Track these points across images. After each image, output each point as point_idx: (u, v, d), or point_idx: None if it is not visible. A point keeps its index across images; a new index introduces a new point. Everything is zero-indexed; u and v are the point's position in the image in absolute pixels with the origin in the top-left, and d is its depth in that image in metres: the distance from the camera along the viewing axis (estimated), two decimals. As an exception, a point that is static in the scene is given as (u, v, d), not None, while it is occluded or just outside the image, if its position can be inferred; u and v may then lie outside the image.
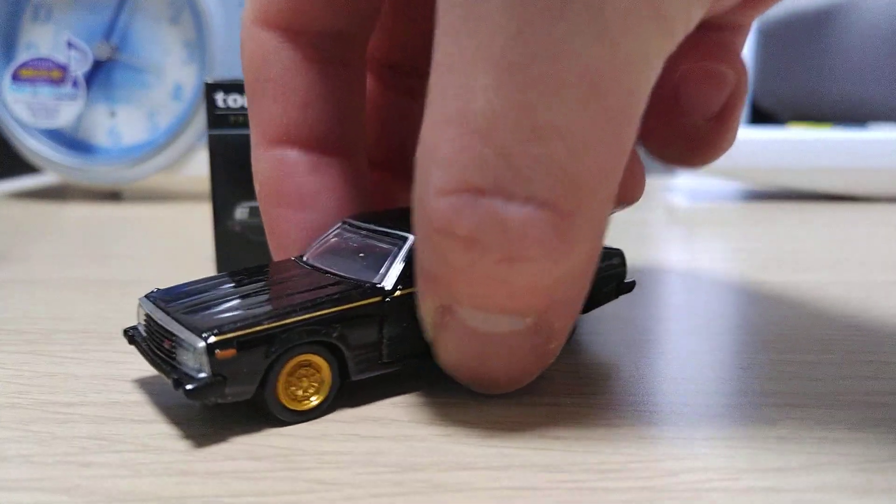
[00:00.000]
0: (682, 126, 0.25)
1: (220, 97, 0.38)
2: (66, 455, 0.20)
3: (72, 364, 0.27)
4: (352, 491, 0.18)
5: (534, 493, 0.18)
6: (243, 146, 0.37)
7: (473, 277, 0.18)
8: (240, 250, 0.39)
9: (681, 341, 0.30)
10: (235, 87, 0.38)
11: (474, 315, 0.19)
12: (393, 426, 0.22)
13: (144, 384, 0.25)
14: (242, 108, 0.38)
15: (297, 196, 0.27)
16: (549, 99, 0.16)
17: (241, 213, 0.38)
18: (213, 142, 0.38)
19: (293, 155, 0.27)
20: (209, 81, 0.38)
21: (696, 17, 0.18)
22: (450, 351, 0.21)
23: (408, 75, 0.31)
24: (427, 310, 0.21)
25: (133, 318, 0.33)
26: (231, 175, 0.38)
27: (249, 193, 0.37)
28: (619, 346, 0.29)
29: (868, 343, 0.29)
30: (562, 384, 0.25)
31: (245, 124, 0.38)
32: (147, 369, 0.27)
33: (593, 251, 0.19)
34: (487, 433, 0.21)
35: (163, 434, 0.22)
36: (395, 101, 0.32)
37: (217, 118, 0.38)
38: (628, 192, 0.23)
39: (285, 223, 0.28)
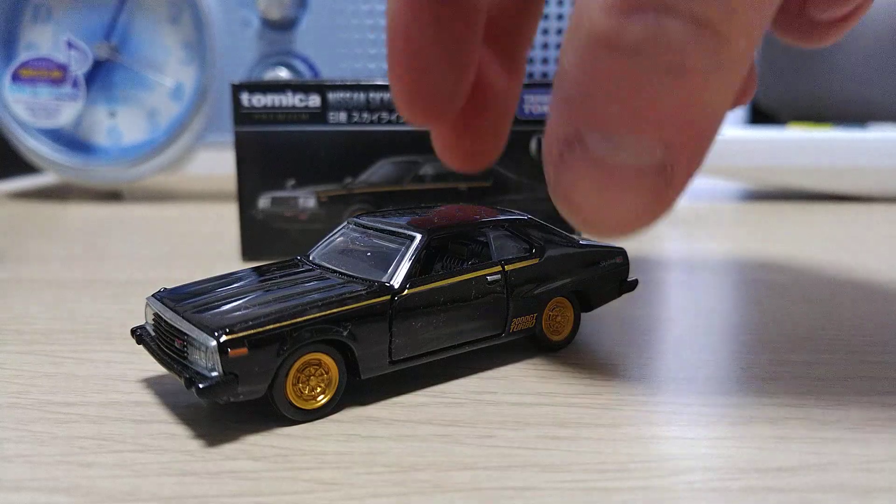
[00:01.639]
0: (804, 20, 0.29)
1: (245, 97, 0.41)
2: (66, 455, 0.20)
3: (72, 364, 0.27)
4: (352, 491, 0.18)
5: (534, 493, 0.18)
6: (267, 142, 0.42)
7: (624, 91, 0.19)
8: (262, 236, 0.42)
9: (681, 341, 0.30)
10: (259, 87, 0.41)
11: (606, 142, 0.20)
12: (393, 426, 0.22)
13: (144, 384, 0.25)
14: (265, 106, 0.41)
15: (418, 41, 0.28)
16: None
17: (263, 202, 0.42)
18: (239, 138, 0.42)
19: (422, 4, 0.28)
20: (236, 83, 0.42)
21: None
22: (570, 186, 0.21)
23: None
24: (553, 142, 0.21)
25: (134, 318, 0.33)
26: (255, 168, 0.42)
27: (271, 185, 0.42)
28: (619, 346, 0.29)
29: (868, 343, 0.29)
30: (562, 384, 0.25)
31: (267, 121, 0.41)
32: (147, 369, 0.27)
33: (734, 85, 0.20)
34: (487, 433, 0.21)
35: (163, 434, 0.22)
36: None
37: (242, 116, 0.41)
38: (742, 95, 0.27)
39: (403, 62, 0.29)
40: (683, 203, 0.70)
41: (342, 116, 0.41)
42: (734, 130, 0.70)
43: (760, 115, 1.36)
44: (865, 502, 0.18)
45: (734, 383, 0.25)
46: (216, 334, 0.21)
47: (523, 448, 0.21)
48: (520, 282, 0.26)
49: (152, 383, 0.25)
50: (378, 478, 0.19)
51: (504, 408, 0.23)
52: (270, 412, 0.23)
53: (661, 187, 0.20)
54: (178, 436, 0.21)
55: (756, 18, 0.19)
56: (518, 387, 0.25)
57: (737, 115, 1.38)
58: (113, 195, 0.72)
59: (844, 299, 0.35)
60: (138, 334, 0.25)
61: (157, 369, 0.27)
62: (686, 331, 0.31)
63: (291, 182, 0.42)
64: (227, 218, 0.59)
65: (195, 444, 0.21)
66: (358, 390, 0.24)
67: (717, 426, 0.22)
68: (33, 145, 0.67)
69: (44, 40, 0.67)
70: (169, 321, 0.23)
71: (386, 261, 0.25)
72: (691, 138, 0.20)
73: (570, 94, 0.20)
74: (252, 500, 0.18)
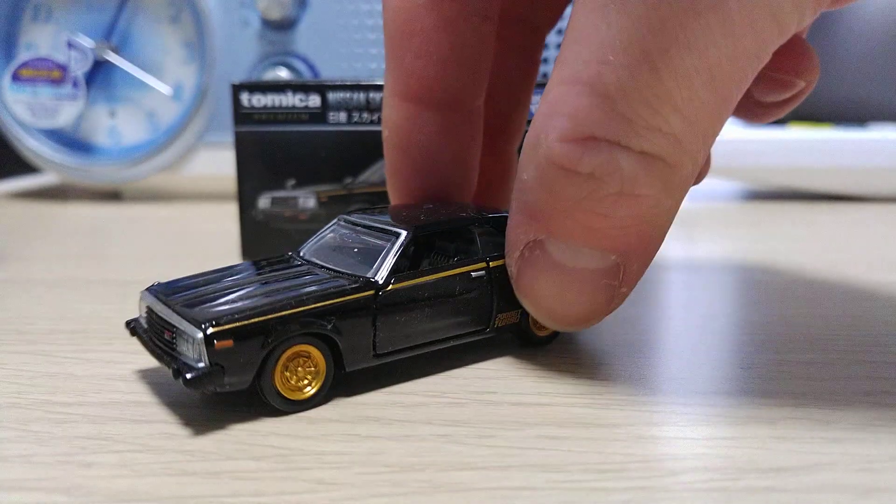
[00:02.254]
0: (748, 101, 0.30)
1: (245, 97, 0.41)
2: (66, 455, 0.20)
3: (72, 364, 0.27)
4: (352, 491, 0.18)
5: (534, 493, 0.18)
6: (267, 142, 0.42)
7: (582, 210, 0.21)
8: (262, 236, 0.42)
9: (681, 341, 0.30)
10: (259, 87, 0.41)
11: (564, 249, 0.22)
12: (393, 426, 0.22)
13: (144, 384, 0.25)
14: (265, 106, 0.41)
15: (422, 150, 0.30)
16: (674, 84, 0.20)
17: (263, 203, 0.42)
18: (239, 138, 0.41)
19: (426, 114, 0.29)
20: (236, 83, 0.41)
21: (807, 20, 0.21)
22: (532, 284, 0.23)
23: (526, 28, 0.32)
24: (516, 244, 0.23)
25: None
26: (255, 168, 0.42)
27: (271, 185, 0.42)
28: (619, 346, 0.29)
29: (868, 343, 0.29)
30: (562, 384, 0.25)
31: (268, 121, 0.41)
32: (147, 369, 0.27)
33: (679, 202, 0.23)
34: (487, 433, 0.21)
35: (163, 434, 0.22)
36: (510, 59, 0.32)
37: (242, 116, 0.41)
38: (697, 178, 0.28)
39: (407, 171, 0.30)
40: (684, 203, 0.70)
41: (342, 116, 0.41)
42: (734, 130, 0.70)
43: (760, 115, 1.36)
44: (865, 502, 0.18)
45: (734, 383, 0.25)
46: (203, 326, 0.21)
47: (523, 448, 0.21)
48: (505, 278, 0.27)
49: (152, 383, 0.25)
50: (378, 478, 0.19)
51: (504, 408, 0.23)
52: (269, 412, 0.23)
53: (614, 287, 0.22)
54: (178, 436, 0.21)
55: (700, 145, 0.21)
56: (518, 387, 0.25)
57: (737, 115, 1.37)
58: (113, 195, 0.72)
59: (844, 299, 0.35)
60: (132, 326, 0.26)
61: (157, 370, 0.27)
62: (686, 331, 0.31)
63: (291, 182, 0.42)
64: (227, 218, 0.59)
65: (195, 444, 0.21)
66: (358, 390, 0.24)
67: (717, 426, 0.22)
68: (33, 145, 0.67)
69: (44, 40, 0.67)
70: (160, 314, 0.24)
71: (372, 256, 0.26)
72: (641, 246, 0.22)
73: (530, 206, 0.22)
74: (252, 500, 0.18)
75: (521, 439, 0.21)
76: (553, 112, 0.21)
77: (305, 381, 0.23)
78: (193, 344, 0.22)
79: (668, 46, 0.19)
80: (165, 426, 0.22)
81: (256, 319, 0.22)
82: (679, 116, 0.20)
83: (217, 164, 0.66)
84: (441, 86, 0.28)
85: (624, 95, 0.20)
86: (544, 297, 0.23)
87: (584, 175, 0.21)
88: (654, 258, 0.24)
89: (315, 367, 0.23)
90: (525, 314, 0.28)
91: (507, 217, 0.28)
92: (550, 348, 0.28)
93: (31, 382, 0.26)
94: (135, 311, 0.34)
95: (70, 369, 0.27)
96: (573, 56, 0.21)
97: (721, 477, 0.19)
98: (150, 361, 0.27)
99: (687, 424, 0.22)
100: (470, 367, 0.27)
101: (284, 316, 0.22)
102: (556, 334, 0.29)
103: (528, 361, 0.27)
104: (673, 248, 0.48)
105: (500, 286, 0.27)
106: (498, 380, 0.25)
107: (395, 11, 0.28)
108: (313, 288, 0.24)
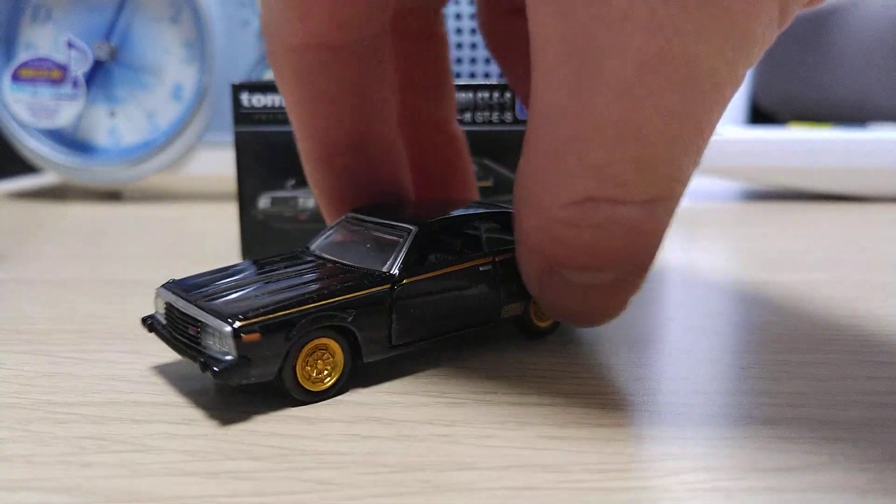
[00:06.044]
0: None
1: (245, 97, 0.41)
2: (66, 455, 0.20)
3: (72, 364, 0.27)
4: (352, 491, 0.18)
5: (534, 493, 0.18)
6: (267, 142, 0.42)
7: (588, 250, 0.23)
8: (262, 236, 0.42)
9: (681, 341, 0.30)
10: (259, 87, 0.42)
11: (573, 273, 0.24)
12: (393, 426, 0.22)
13: (144, 384, 0.25)
14: (265, 106, 0.41)
15: (354, 196, 0.30)
16: (666, 156, 0.21)
17: (263, 203, 0.42)
18: (239, 138, 0.42)
19: (349, 164, 0.30)
20: (236, 83, 0.41)
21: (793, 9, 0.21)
22: (554, 300, 0.26)
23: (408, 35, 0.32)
24: (532, 272, 0.26)
25: (134, 318, 0.33)
26: (255, 168, 0.42)
27: (272, 185, 0.42)
28: (619, 346, 0.29)
29: (868, 343, 0.29)
30: (562, 384, 0.25)
31: (267, 121, 0.41)
32: (147, 368, 0.27)
33: (670, 221, 0.24)
34: (487, 433, 0.21)
35: (163, 434, 0.22)
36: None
37: (242, 116, 0.41)
38: None
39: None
40: (684, 203, 0.70)
41: None
42: (734, 130, 0.70)
43: (760, 115, 1.36)
44: (865, 502, 0.18)
45: (734, 383, 0.25)
46: (230, 321, 0.22)
47: (523, 448, 0.21)
48: (509, 271, 0.27)
49: (152, 383, 0.25)
50: (378, 478, 0.19)
51: (504, 408, 0.23)
52: (269, 412, 0.23)
53: (620, 293, 0.25)
54: (178, 436, 0.21)
55: (693, 167, 0.23)
56: (518, 387, 0.25)
57: (737, 115, 1.38)
58: (113, 195, 0.72)
59: (844, 299, 0.35)
60: (149, 323, 0.26)
61: (156, 370, 0.27)
62: (686, 330, 0.31)
63: (291, 182, 0.42)
64: (227, 218, 0.59)
65: (195, 444, 0.21)
66: (358, 390, 0.24)
67: (717, 426, 0.22)
68: (33, 145, 0.67)
69: (44, 40, 0.67)
70: (182, 310, 0.24)
71: (384, 252, 0.26)
72: (643, 264, 0.25)
73: (538, 248, 0.25)
74: (252, 500, 0.18)
75: (521, 439, 0.21)
76: (547, 181, 0.23)
77: (325, 373, 0.24)
78: (221, 338, 0.22)
79: (647, 120, 0.20)
80: (165, 426, 0.22)
81: (282, 313, 0.23)
82: (670, 175, 0.22)
83: (217, 164, 0.66)
84: (356, 134, 0.29)
85: (611, 168, 0.21)
86: (567, 310, 0.26)
87: (589, 227, 0.23)
88: (655, 258, 0.25)
89: (333, 358, 0.24)
90: (527, 306, 0.28)
91: (510, 213, 0.28)
92: (550, 348, 0.28)
93: (31, 382, 0.25)
94: (135, 310, 0.34)
95: (70, 369, 0.27)
96: (552, 132, 0.22)
97: (721, 477, 0.19)
98: (150, 361, 0.27)
99: (687, 424, 0.22)
100: (470, 366, 0.27)
101: (308, 309, 0.23)
102: (556, 325, 0.30)
103: (528, 361, 0.27)
104: (673, 248, 0.48)
105: (504, 279, 0.27)
106: (498, 380, 0.25)
107: (296, 78, 0.27)
108: (332, 282, 0.25)
